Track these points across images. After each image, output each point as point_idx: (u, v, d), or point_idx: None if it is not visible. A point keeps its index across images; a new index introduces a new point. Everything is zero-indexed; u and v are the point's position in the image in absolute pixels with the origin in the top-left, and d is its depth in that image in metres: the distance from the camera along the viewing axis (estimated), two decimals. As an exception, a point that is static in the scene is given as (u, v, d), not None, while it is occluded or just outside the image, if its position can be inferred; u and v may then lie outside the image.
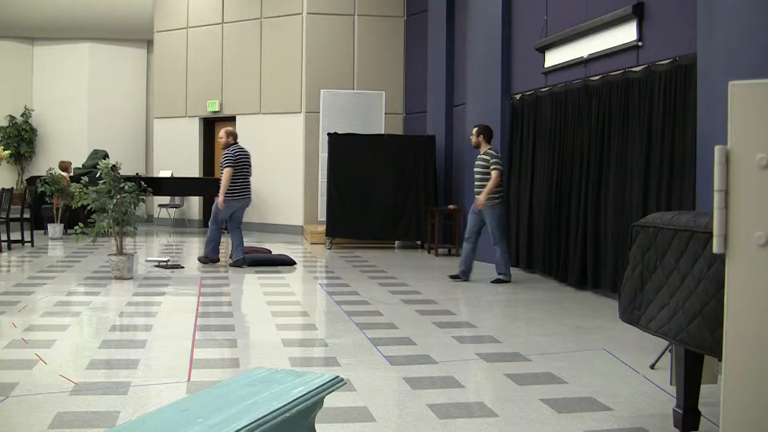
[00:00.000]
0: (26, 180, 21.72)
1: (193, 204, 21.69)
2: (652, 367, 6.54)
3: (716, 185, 3.64)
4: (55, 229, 18.03)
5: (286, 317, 8.93)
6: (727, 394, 3.64)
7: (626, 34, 10.16)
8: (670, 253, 4.64)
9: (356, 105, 18.50)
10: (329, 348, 7.43)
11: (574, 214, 11.22)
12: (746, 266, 3.60)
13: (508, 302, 10.59)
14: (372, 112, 18.44)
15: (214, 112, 21.01)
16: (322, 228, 17.12)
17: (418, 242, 16.66)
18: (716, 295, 4.12)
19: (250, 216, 20.04)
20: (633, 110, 9.89)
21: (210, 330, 8.23)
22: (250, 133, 20.09)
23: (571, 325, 8.55)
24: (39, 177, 18.57)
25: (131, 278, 11.53)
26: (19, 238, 16.10)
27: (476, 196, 11.48)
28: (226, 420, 3.04)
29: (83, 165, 20.24)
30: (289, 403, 3.30)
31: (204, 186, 20.11)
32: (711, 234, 3.85)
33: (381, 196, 16.17)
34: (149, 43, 24.50)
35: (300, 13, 19.43)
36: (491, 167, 11.28)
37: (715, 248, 3.67)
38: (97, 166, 11.73)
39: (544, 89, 12.41)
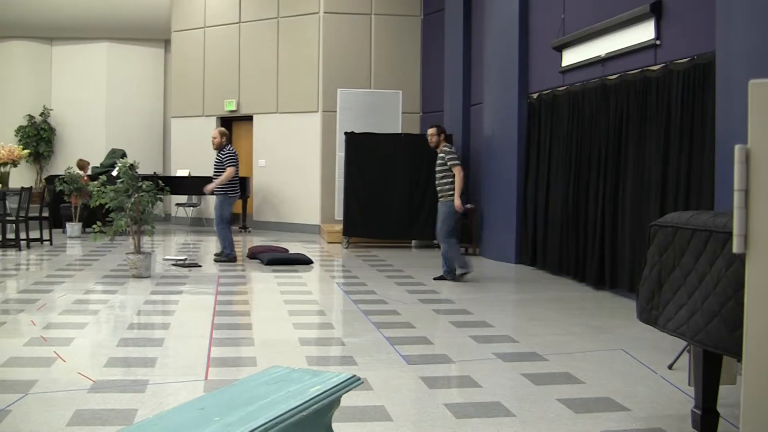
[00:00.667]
0: (45, 179, 21.81)
1: (211, 203, 21.61)
2: (670, 367, 6.52)
3: (736, 185, 3.62)
4: (73, 227, 18.10)
5: (303, 316, 8.93)
6: (747, 394, 3.62)
7: (644, 32, 10.12)
8: (688, 253, 4.62)
9: (373, 104, 18.48)
10: (346, 347, 7.43)
11: (591, 214, 11.20)
12: (767, 266, 3.57)
13: (525, 302, 10.57)
14: (389, 112, 18.41)
15: (232, 111, 21.04)
16: (339, 227, 17.12)
17: (435, 241, 16.63)
18: (735, 295, 4.09)
19: (267, 215, 20.12)
20: (651, 109, 9.85)
21: (227, 328, 8.24)
22: (267, 132, 20.18)
23: (589, 325, 8.53)
24: (57, 176, 18.65)
25: (149, 277, 11.56)
26: (38, 236, 16.18)
27: (441, 196, 11.51)
28: (243, 418, 3.05)
29: (101, 164, 20.32)
30: (306, 401, 3.30)
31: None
32: (730, 234, 3.83)
33: (398, 196, 16.16)
34: (167, 43, 24.55)
35: (317, 13, 19.44)
36: (448, 163, 11.35)
37: (735, 248, 3.65)
38: (115, 165, 11.77)
39: (561, 88, 12.38)
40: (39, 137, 24.58)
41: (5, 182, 16.12)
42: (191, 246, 16.65)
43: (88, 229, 16.61)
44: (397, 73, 19.50)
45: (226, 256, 13.66)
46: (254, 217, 20.69)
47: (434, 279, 11.71)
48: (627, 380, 6.24)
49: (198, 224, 22.13)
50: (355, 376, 3.68)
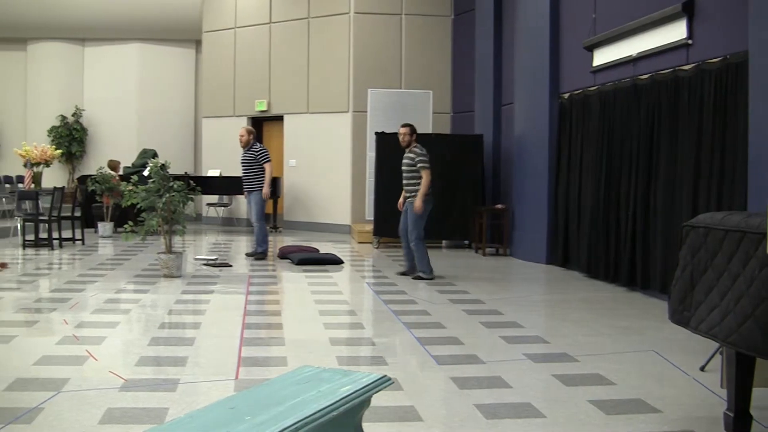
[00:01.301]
0: (77, 179, 21.98)
1: (242, 203, 21.77)
2: (702, 369, 6.47)
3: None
4: (105, 227, 18.21)
5: (333, 316, 8.94)
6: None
7: (676, 32, 10.06)
8: (720, 254, 4.58)
9: (404, 104, 18.48)
10: (376, 347, 7.43)
11: (623, 214, 11.14)
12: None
13: (555, 302, 10.53)
14: (419, 112, 18.40)
15: (262, 111, 21.10)
16: (370, 227, 17.13)
17: (466, 241, 16.61)
18: (769, 297, 4.06)
19: (297, 215, 20.17)
20: (683, 109, 9.79)
21: (258, 328, 8.26)
22: (297, 132, 20.22)
23: (620, 326, 8.49)
24: (89, 176, 18.77)
25: (180, 276, 11.62)
26: (70, 236, 16.31)
27: (408, 199, 11.71)
28: (274, 418, 3.05)
29: (133, 164, 20.43)
30: (337, 401, 3.30)
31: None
32: (763, 235, 3.80)
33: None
34: (198, 43, 24.69)
35: (347, 13, 19.46)
36: (418, 165, 11.46)
37: (769, 249, 3.62)
38: (147, 165, 11.83)
39: (592, 88, 12.32)
40: (71, 137, 24.80)
41: (38, 182, 16.24)
42: (222, 246, 16.71)
43: (119, 229, 16.75)
44: (427, 73, 19.48)
45: (263, 251, 13.84)
46: (285, 217, 20.74)
47: (397, 274, 11.95)
48: (658, 382, 6.20)
49: (229, 224, 22.22)
50: (385, 376, 3.68)
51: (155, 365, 6.60)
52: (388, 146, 16.30)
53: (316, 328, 8.29)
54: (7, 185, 22.31)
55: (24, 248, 15.25)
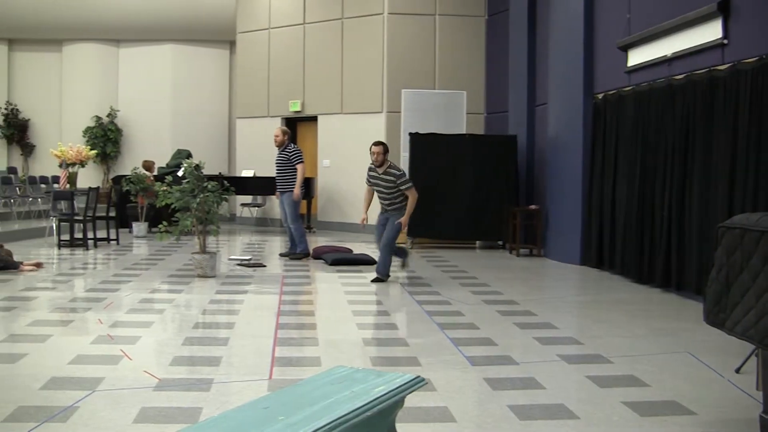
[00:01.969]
0: (112, 179, 22.15)
1: (275, 203, 21.80)
2: (738, 371, 6.42)
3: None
4: (139, 227, 18.32)
5: (367, 316, 8.96)
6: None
7: (711, 31, 9.98)
8: (756, 255, 4.55)
9: (437, 105, 18.44)
10: (410, 348, 7.42)
11: (658, 215, 11.07)
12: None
13: (589, 303, 10.49)
14: (453, 112, 18.35)
15: (296, 111, 21.15)
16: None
17: (500, 242, 16.57)
18: (805, 299, 4.02)
19: (331, 215, 20.20)
20: (718, 109, 9.72)
21: (291, 328, 8.27)
22: (331, 132, 20.25)
23: (654, 327, 8.44)
24: (124, 176, 18.90)
25: (214, 276, 11.67)
26: (105, 236, 16.41)
27: (388, 210, 11.67)
28: (307, 418, 3.05)
29: (167, 164, 20.54)
30: (370, 402, 3.29)
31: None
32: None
33: (462, 196, 16.12)
34: (232, 44, 24.77)
35: (381, 13, 19.45)
36: (401, 186, 11.38)
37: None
38: (181, 166, 11.88)
39: (627, 88, 12.25)
40: (106, 138, 25.00)
41: (74, 182, 16.37)
42: (256, 246, 16.76)
43: (154, 229, 16.82)
44: (461, 73, 19.45)
45: (302, 251, 13.92)
46: (318, 217, 20.76)
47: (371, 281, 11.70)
48: (693, 384, 6.16)
49: (263, 224, 22.28)
50: (419, 376, 3.67)
51: (189, 365, 6.64)
52: (422, 146, 16.32)
53: (350, 329, 8.30)
54: (43, 185, 22.50)
55: (59, 248, 15.37)
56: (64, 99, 25.66)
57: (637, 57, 11.98)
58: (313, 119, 20.96)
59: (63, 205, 16.29)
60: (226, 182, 12.29)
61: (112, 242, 16.46)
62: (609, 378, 6.29)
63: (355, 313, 9.07)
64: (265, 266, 13.01)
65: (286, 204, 13.93)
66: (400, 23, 19.39)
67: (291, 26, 21.26)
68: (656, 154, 11.22)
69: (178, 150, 21.31)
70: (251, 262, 13.24)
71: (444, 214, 16.13)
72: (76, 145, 16.67)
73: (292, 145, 14.14)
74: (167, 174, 15.92)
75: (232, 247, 16.52)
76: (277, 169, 14.00)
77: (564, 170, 14.12)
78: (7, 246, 12.83)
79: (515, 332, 8.14)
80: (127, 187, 17.97)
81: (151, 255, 14.74)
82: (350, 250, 14.28)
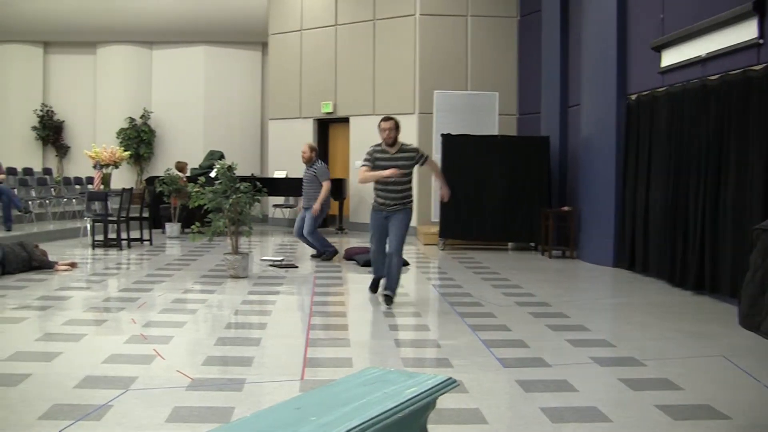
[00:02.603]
0: (145, 180, 22.25)
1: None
2: (774, 374, 6.37)
3: None
4: (172, 228, 18.42)
5: (398, 318, 8.94)
6: None
7: (746, 31, 9.89)
8: (793, 257, 4.50)
9: (469, 106, 18.43)
10: (442, 349, 7.41)
11: (691, 217, 10.99)
12: None
13: (622, 306, 10.42)
14: (485, 113, 18.34)
15: (328, 113, 21.17)
16: (435, 229, 17.12)
17: (532, 244, 16.52)
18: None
19: (363, 217, 20.17)
20: (753, 110, 9.62)
21: (323, 329, 8.29)
22: (363, 133, 20.23)
23: (688, 330, 8.37)
24: (157, 177, 19.01)
25: (246, 277, 11.70)
26: (138, 236, 16.51)
27: (392, 206, 9.78)
28: (339, 419, 3.05)
29: (200, 165, 20.64)
30: (402, 403, 3.29)
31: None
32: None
33: (494, 197, 16.10)
34: (264, 46, 24.85)
35: (413, 15, 19.45)
36: (421, 159, 10.12)
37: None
38: (214, 167, 11.92)
39: (660, 89, 12.17)
40: (139, 139, 25.15)
41: (107, 183, 16.46)
42: (288, 247, 16.79)
43: (186, 230, 16.92)
44: (493, 74, 19.41)
45: (330, 254, 14.02)
46: (350, 218, 20.79)
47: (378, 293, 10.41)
48: (727, 387, 6.10)
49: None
50: (451, 378, 3.65)
51: (221, 365, 6.66)
52: (453, 148, 16.30)
53: (382, 330, 8.30)
54: (77, 186, 22.68)
55: (93, 248, 15.48)
56: (98, 101, 25.84)
57: (670, 57, 11.90)
58: (345, 120, 20.99)
59: (97, 205, 16.38)
60: (258, 183, 12.30)
61: (145, 243, 16.56)
62: (642, 381, 6.24)
63: (386, 315, 9.06)
64: (297, 267, 13.03)
65: (308, 217, 13.98)
66: (431, 24, 19.38)
67: (323, 27, 21.30)
68: (690, 156, 11.13)
69: (211, 151, 21.42)
70: (283, 263, 13.27)
71: (476, 216, 16.11)
72: (109, 147, 16.75)
73: (320, 162, 14.25)
74: (200, 175, 15.99)
75: (264, 248, 16.55)
76: (305, 186, 14.10)
77: (597, 171, 14.05)
78: (42, 246, 12.95)
79: (547, 334, 8.10)
80: (160, 188, 18.07)
81: (183, 255, 14.80)
82: (382, 252, 14.27)
